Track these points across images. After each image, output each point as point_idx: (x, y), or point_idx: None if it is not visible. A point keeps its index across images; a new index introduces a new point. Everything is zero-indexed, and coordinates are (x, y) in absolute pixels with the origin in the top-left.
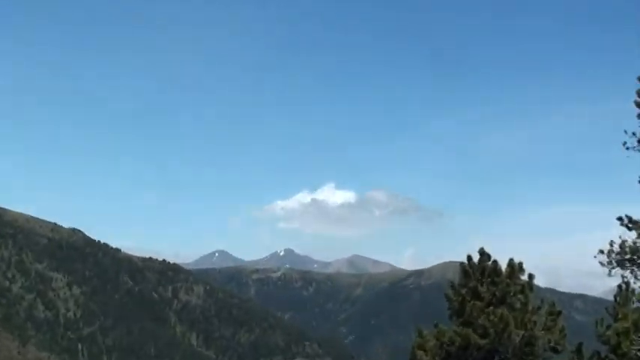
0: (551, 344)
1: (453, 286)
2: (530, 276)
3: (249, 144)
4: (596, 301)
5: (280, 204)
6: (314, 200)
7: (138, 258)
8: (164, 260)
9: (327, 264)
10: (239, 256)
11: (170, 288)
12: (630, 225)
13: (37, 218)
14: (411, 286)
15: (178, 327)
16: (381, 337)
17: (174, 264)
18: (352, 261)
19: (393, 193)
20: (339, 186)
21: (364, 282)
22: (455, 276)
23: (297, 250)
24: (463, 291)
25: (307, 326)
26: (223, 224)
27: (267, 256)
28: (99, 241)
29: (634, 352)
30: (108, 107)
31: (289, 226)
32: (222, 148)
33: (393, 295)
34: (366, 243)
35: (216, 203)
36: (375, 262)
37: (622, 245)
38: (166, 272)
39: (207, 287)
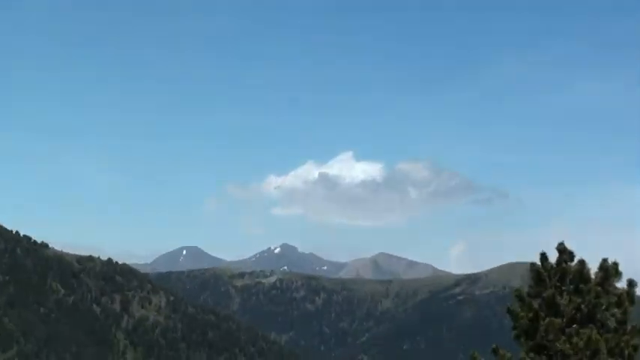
0: None
1: (520, 297)
2: (632, 283)
3: (231, 100)
4: None
5: (275, 181)
6: (323, 176)
7: (73, 257)
8: (110, 260)
9: (341, 266)
10: (217, 255)
11: (118, 299)
12: None
13: None
14: (460, 297)
15: (130, 353)
16: None
17: (124, 265)
18: (377, 262)
19: (436, 167)
20: (360, 155)
21: (394, 291)
22: (523, 282)
23: (298, 247)
24: (535, 303)
25: (313, 352)
26: (194, 211)
27: (256, 255)
28: (17, 233)
29: None
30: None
31: (288, 213)
32: (192, 103)
33: (434, 310)
34: (398, 237)
35: (183, 181)
36: (410, 263)
37: None
38: (113, 277)
39: (172, 298)
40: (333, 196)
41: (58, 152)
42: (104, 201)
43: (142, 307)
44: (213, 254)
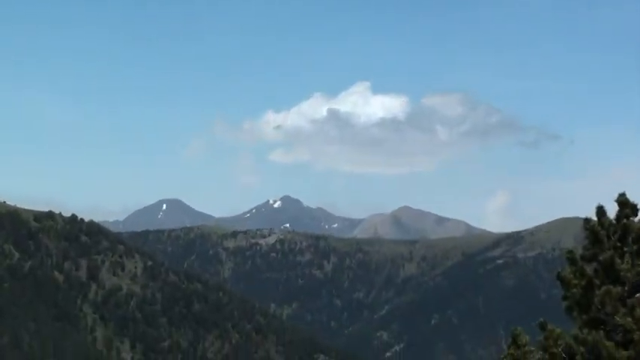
0: None
1: (572, 260)
2: None
3: (219, 18)
4: None
5: (274, 119)
6: (333, 113)
7: (29, 214)
8: (74, 217)
9: (356, 223)
10: (203, 210)
11: (85, 264)
12: None
13: None
14: (499, 261)
15: (99, 330)
16: (447, 345)
17: (91, 223)
18: (399, 218)
19: (472, 101)
20: (379, 87)
21: (420, 254)
22: (576, 243)
23: (303, 201)
24: (590, 268)
25: (322, 329)
26: (175, 156)
27: (251, 211)
28: None
29: None
30: None
31: (290, 159)
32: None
33: (469, 276)
34: (424, 187)
35: (162, 118)
36: (439, 219)
37: None
38: (78, 237)
39: (149, 263)
40: (345, 137)
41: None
42: (65, 144)
43: (114, 275)
44: (199, 209)
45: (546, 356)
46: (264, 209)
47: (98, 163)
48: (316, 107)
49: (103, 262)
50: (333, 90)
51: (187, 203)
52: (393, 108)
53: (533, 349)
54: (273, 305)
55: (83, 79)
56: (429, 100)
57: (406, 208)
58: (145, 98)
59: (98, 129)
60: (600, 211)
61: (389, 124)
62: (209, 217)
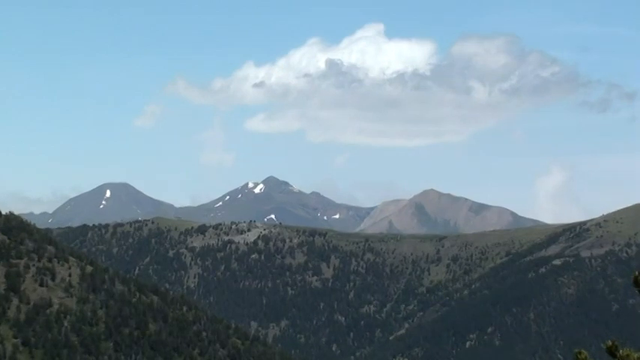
0: None
1: None
2: None
3: None
4: None
5: (254, 74)
6: (334, 65)
7: None
8: None
9: (364, 213)
10: (160, 198)
11: (2, 272)
12: None
13: None
14: (557, 262)
15: (22, 358)
16: None
17: (11, 216)
18: (423, 205)
19: (519, 49)
20: (395, 31)
21: (450, 253)
22: None
23: (293, 184)
24: None
25: (320, 355)
26: (123, 127)
27: (224, 198)
28: None
29: None
30: None
31: (275, 127)
32: None
33: (516, 282)
34: (454, 164)
35: (103, 76)
36: (476, 207)
37: None
38: None
39: (88, 269)
40: (349, 98)
41: None
42: None
43: (41, 285)
44: (154, 196)
45: None
46: (240, 195)
47: (19, 136)
48: (310, 58)
49: (26, 268)
50: (333, 35)
51: (138, 188)
52: (415, 59)
53: None
54: (254, 324)
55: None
56: (462, 48)
57: (431, 193)
58: (87, 50)
59: (21, 92)
60: None
61: (408, 80)
62: (167, 206)
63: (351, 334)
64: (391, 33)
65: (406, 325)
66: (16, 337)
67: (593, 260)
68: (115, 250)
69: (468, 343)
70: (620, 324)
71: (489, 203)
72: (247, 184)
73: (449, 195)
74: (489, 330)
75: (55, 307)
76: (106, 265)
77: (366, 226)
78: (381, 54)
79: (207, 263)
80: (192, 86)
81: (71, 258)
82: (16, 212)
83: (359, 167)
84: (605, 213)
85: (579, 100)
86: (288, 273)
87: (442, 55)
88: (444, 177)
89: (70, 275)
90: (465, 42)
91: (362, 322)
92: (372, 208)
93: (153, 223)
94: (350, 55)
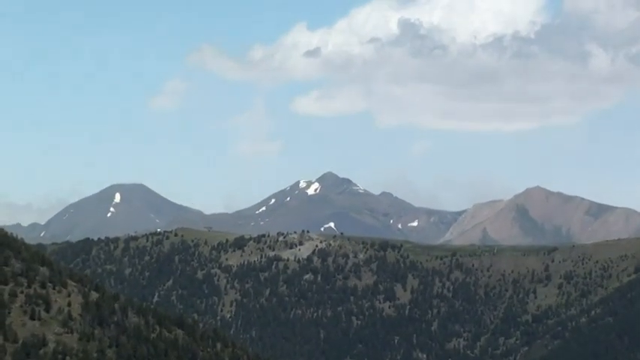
0: None
1: None
2: None
3: None
4: None
5: (306, 39)
6: (408, 26)
7: None
8: None
9: (450, 218)
10: (183, 202)
11: None
12: None
13: None
14: None
15: None
16: None
17: None
18: (525, 208)
19: None
20: None
21: (563, 269)
22: None
23: (357, 182)
24: None
25: None
26: (135, 112)
27: (268, 201)
28: None
29: None
30: None
31: (332, 108)
32: None
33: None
34: (566, 154)
35: (109, 47)
36: (595, 208)
37: None
38: None
39: (93, 296)
40: (429, 69)
41: None
42: None
43: (32, 317)
44: (178, 201)
45: None
46: (289, 198)
47: (5, 131)
48: (379, 18)
49: (12, 296)
50: None
51: (156, 191)
52: (516, 17)
53: None
54: (308, 350)
55: None
56: (577, 1)
57: (536, 192)
58: (89, 21)
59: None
60: None
61: (507, 45)
62: (194, 213)
63: None
64: None
65: None
66: None
67: None
68: (127, 270)
69: None
70: None
71: (612, 204)
72: (298, 183)
73: (559, 194)
74: None
75: (51, 346)
76: (116, 291)
77: (453, 236)
78: (473, 12)
79: (247, 286)
80: (224, 56)
81: (70, 282)
82: (0, 224)
83: (442, 159)
84: None
85: None
86: (352, 298)
87: (552, 11)
88: (552, 171)
89: (69, 305)
90: None
91: (449, 359)
92: (460, 213)
93: (176, 235)
94: (430, 13)
